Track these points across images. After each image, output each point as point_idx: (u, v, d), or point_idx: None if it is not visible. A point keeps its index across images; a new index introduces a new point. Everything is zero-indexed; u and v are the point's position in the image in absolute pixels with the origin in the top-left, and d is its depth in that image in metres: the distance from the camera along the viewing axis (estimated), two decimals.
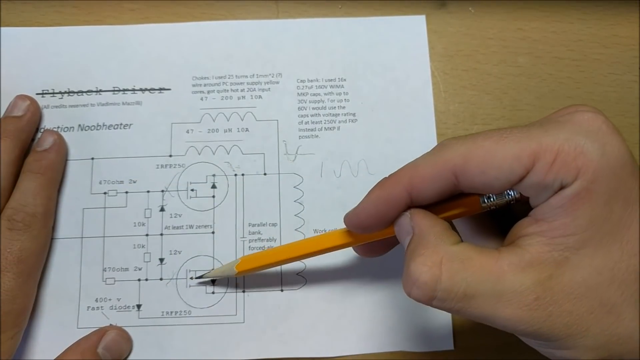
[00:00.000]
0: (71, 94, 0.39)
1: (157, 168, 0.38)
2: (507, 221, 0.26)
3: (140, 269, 0.37)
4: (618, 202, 0.22)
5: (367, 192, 0.27)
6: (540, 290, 0.22)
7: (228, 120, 0.39)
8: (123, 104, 0.39)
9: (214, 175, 0.38)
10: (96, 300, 0.36)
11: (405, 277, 0.24)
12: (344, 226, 0.29)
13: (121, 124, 0.39)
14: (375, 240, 0.30)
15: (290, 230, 0.38)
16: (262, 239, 0.37)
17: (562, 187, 0.22)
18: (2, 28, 0.40)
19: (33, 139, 0.38)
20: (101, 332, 0.35)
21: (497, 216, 0.28)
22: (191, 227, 0.38)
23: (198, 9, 0.41)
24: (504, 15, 0.42)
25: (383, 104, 0.40)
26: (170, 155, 0.39)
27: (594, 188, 0.22)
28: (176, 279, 0.37)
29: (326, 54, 0.41)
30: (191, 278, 0.37)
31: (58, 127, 0.39)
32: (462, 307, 0.23)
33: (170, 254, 0.37)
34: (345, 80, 0.40)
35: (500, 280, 0.23)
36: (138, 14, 0.41)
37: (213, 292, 0.37)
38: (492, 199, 0.26)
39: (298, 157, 0.39)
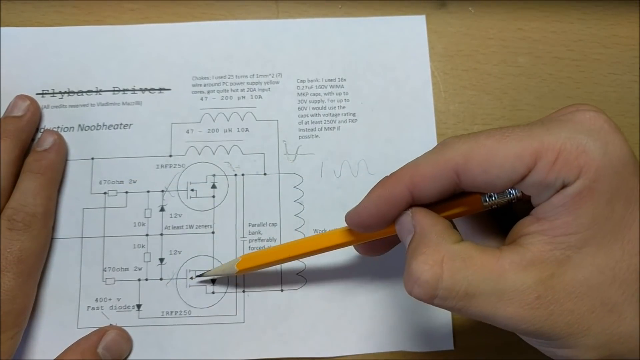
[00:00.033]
0: (71, 94, 0.39)
1: (157, 168, 0.38)
2: (508, 220, 0.26)
3: (140, 269, 0.37)
4: (620, 201, 0.22)
5: (367, 192, 0.27)
6: (542, 289, 0.22)
7: (228, 120, 0.39)
8: (123, 104, 0.39)
9: (214, 175, 0.38)
10: (96, 300, 0.36)
11: (406, 276, 0.24)
12: (345, 225, 0.29)
13: (121, 124, 0.39)
14: (376, 239, 0.30)
15: (290, 230, 0.38)
16: (262, 239, 0.37)
17: (564, 186, 0.22)
18: (2, 28, 0.40)
19: (33, 139, 0.38)
20: (101, 332, 0.35)
21: (498, 215, 0.28)
22: (191, 227, 0.37)
23: (198, 9, 0.41)
24: (504, 15, 0.42)
25: (383, 104, 0.40)
26: (170, 155, 0.39)
27: (596, 187, 0.22)
28: (176, 279, 0.37)
29: (326, 54, 0.41)
30: (191, 278, 0.37)
31: (58, 127, 0.39)
32: (464, 305, 0.23)
33: (170, 254, 0.37)
34: (345, 80, 0.40)
35: (502, 279, 0.23)
36: (138, 14, 0.41)
37: (213, 292, 0.36)
38: (493, 198, 0.26)
39: (298, 157, 0.39)
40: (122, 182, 0.38)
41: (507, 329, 0.23)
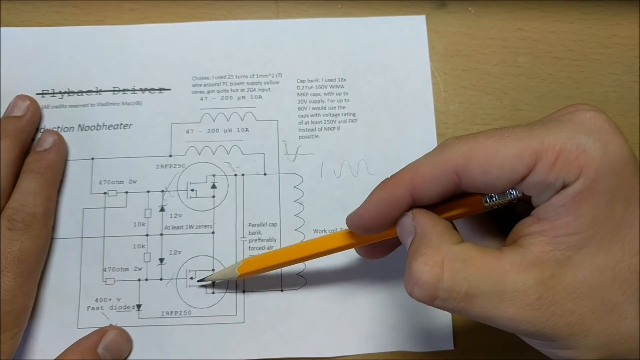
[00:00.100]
0: (71, 94, 0.39)
1: (157, 168, 0.38)
2: (508, 221, 0.26)
3: (140, 269, 0.37)
4: (620, 201, 0.22)
5: (367, 193, 0.27)
6: (543, 290, 0.22)
7: (228, 120, 0.39)
8: (123, 104, 0.39)
9: (214, 175, 0.38)
10: (96, 300, 0.36)
11: (407, 277, 0.24)
12: (345, 227, 0.29)
13: (121, 124, 0.39)
14: (377, 241, 0.29)
15: (290, 231, 0.38)
16: (262, 239, 0.37)
17: (564, 186, 0.22)
18: (2, 28, 0.40)
19: (33, 139, 0.38)
20: (101, 332, 0.35)
21: (498, 216, 0.28)
22: (191, 227, 0.37)
23: (198, 9, 0.41)
24: (504, 15, 0.42)
25: (383, 104, 0.40)
26: (170, 155, 0.39)
27: (596, 187, 0.22)
28: (176, 279, 0.37)
29: (326, 54, 0.41)
30: (191, 278, 0.36)
31: (58, 127, 0.39)
32: (464, 306, 0.23)
33: (170, 254, 0.37)
34: (345, 80, 0.40)
35: (502, 279, 0.23)
36: (138, 14, 0.41)
37: (213, 292, 0.36)
38: (494, 199, 0.26)
39: (298, 157, 0.39)
40: (122, 182, 0.38)
41: (507, 330, 0.23)
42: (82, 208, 0.37)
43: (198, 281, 0.36)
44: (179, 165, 0.38)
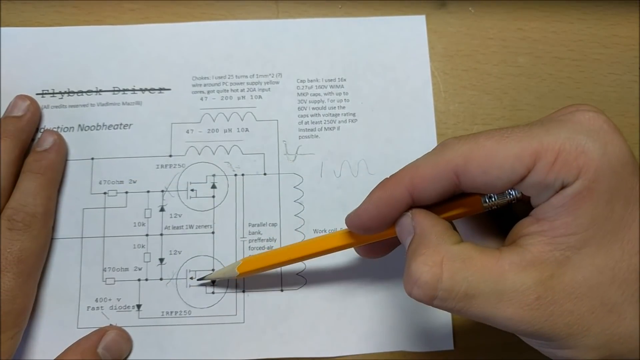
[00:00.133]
0: (71, 94, 0.39)
1: (157, 168, 0.38)
2: (508, 221, 0.26)
3: (140, 269, 0.37)
4: (619, 201, 0.22)
5: (367, 193, 0.27)
6: (542, 290, 0.22)
7: (228, 120, 0.39)
8: (123, 104, 0.39)
9: (214, 175, 0.38)
10: (96, 300, 0.36)
11: (406, 277, 0.24)
12: (345, 227, 0.29)
13: (121, 124, 0.39)
14: (376, 241, 0.30)
15: (290, 231, 0.38)
16: (262, 239, 0.37)
17: (563, 187, 0.22)
18: (2, 28, 0.40)
19: (33, 139, 0.38)
20: (101, 332, 0.35)
21: (497, 216, 0.28)
22: (191, 227, 0.38)
23: (198, 9, 0.41)
24: (504, 15, 0.42)
25: (383, 104, 0.40)
26: (170, 155, 0.39)
27: (595, 187, 0.22)
28: (176, 279, 0.37)
29: (326, 54, 0.41)
30: (191, 278, 0.37)
31: (58, 127, 0.39)
32: (463, 306, 0.23)
33: (170, 254, 0.37)
34: (345, 80, 0.40)
35: (502, 279, 0.23)
36: (138, 14, 0.41)
37: (213, 292, 0.36)
38: (493, 199, 0.26)
39: (298, 157, 0.39)
40: (122, 182, 0.38)
41: (506, 330, 0.23)
42: (82, 208, 0.37)
43: (198, 280, 0.36)
44: (179, 165, 0.38)
